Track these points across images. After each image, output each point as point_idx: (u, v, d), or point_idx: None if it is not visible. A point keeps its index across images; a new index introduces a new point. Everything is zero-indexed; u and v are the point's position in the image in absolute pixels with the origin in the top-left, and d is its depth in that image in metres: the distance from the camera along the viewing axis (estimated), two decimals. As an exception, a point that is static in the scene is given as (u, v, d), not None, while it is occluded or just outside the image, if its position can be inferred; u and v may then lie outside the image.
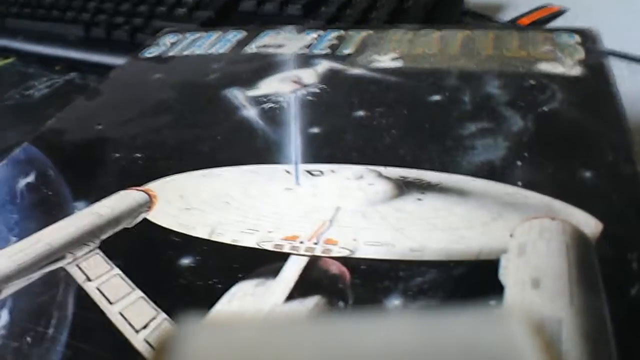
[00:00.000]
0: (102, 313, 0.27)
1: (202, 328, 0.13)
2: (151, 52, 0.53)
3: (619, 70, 0.41)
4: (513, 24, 0.69)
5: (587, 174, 0.31)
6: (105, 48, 0.68)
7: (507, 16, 0.72)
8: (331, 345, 0.12)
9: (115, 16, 0.71)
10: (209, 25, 0.65)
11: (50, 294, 0.28)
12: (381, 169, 0.33)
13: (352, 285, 0.26)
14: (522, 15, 0.71)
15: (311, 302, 0.25)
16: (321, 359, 0.12)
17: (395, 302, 0.25)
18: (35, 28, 0.75)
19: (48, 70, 0.66)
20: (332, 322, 0.14)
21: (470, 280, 0.25)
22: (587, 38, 0.45)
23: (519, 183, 0.30)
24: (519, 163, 0.32)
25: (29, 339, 0.26)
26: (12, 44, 0.74)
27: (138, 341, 0.25)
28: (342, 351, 0.12)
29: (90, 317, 0.27)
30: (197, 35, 0.55)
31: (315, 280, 0.26)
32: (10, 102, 0.58)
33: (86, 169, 0.37)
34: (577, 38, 0.45)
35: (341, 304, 0.25)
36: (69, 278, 0.29)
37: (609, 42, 0.45)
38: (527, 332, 0.12)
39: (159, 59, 0.52)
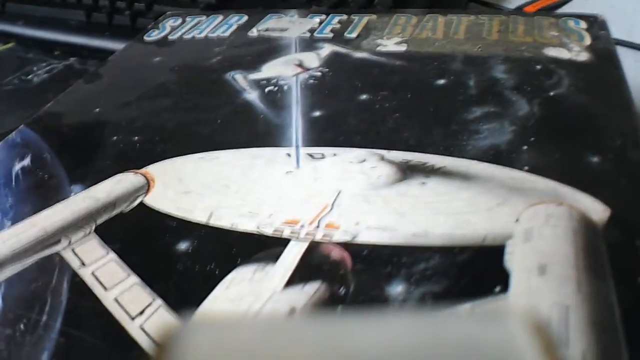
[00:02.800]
0: (97, 299, 0.26)
1: (201, 328, 0.13)
2: (152, 35, 0.53)
3: (625, 59, 0.41)
4: (519, 11, 0.68)
5: (595, 159, 0.30)
6: (107, 33, 0.67)
7: (512, 4, 0.72)
8: (331, 345, 0.12)
9: (117, 1, 0.70)
10: (211, 10, 0.64)
11: (44, 279, 0.27)
12: (384, 152, 0.32)
13: (354, 271, 0.25)
14: (528, 3, 0.71)
15: (311, 288, 0.25)
16: (321, 359, 0.12)
17: (397, 288, 0.24)
18: (36, 13, 0.74)
19: (48, 56, 0.65)
20: (331, 322, 0.14)
21: (475, 266, 0.25)
22: (594, 24, 0.44)
23: (525, 168, 0.30)
24: (525, 147, 0.31)
25: (22, 326, 0.26)
26: (12, 28, 0.73)
27: (133, 328, 0.24)
28: (341, 351, 0.12)
29: (85, 304, 0.26)
30: (199, 19, 0.54)
31: (315, 266, 0.26)
32: (9, 87, 0.58)
33: (83, 152, 0.37)
34: (584, 24, 0.44)
35: (342, 290, 0.24)
36: (63, 263, 0.28)
37: (614, 30, 0.44)
38: (528, 333, 0.12)
39: (160, 43, 0.51)
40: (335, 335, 0.12)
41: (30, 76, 0.60)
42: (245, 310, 0.24)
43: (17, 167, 0.36)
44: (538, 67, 0.39)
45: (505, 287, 0.23)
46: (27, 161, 0.36)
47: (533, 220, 0.27)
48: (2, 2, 0.76)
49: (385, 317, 0.13)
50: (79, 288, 0.27)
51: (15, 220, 0.31)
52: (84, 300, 0.26)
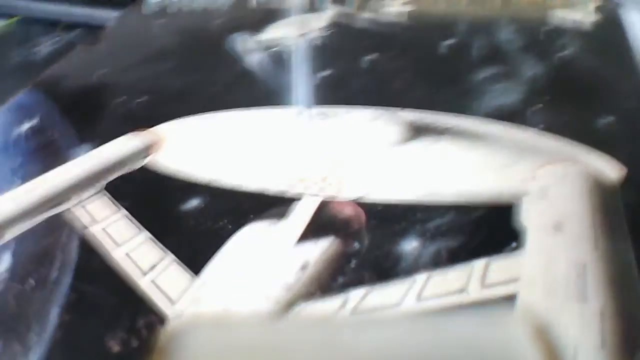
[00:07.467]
0: (108, 255, 0.26)
1: (201, 328, 0.13)
2: (150, 5, 0.52)
3: (634, 18, 0.41)
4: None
5: (607, 120, 0.30)
6: (109, 6, 0.67)
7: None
8: (331, 345, 0.12)
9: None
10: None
11: (55, 236, 0.27)
12: (394, 111, 0.32)
13: (368, 226, 0.25)
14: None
15: (325, 243, 0.24)
16: (321, 358, 0.12)
17: (412, 243, 0.24)
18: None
19: (52, 30, 0.65)
20: (332, 322, 0.14)
21: (490, 223, 0.25)
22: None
23: (538, 127, 0.30)
24: (536, 107, 0.31)
25: (32, 281, 0.25)
26: (16, 3, 0.73)
27: (145, 283, 0.24)
28: (342, 351, 0.12)
29: (96, 259, 0.26)
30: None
31: (328, 221, 0.26)
32: (16, 61, 0.57)
33: (90, 113, 0.37)
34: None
35: (357, 245, 0.24)
36: (74, 220, 0.28)
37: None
38: (529, 334, 0.12)
39: (160, 10, 0.51)
40: (335, 335, 0.12)
41: (35, 49, 0.60)
42: (258, 263, 0.24)
43: (25, 127, 0.36)
44: (545, 29, 0.39)
45: (520, 244, 0.23)
46: (34, 121, 0.36)
47: (548, 179, 0.26)
48: (6, -22, 0.76)
49: (386, 319, 0.13)
50: (90, 244, 0.27)
51: (24, 179, 0.31)
52: (95, 256, 0.26)
